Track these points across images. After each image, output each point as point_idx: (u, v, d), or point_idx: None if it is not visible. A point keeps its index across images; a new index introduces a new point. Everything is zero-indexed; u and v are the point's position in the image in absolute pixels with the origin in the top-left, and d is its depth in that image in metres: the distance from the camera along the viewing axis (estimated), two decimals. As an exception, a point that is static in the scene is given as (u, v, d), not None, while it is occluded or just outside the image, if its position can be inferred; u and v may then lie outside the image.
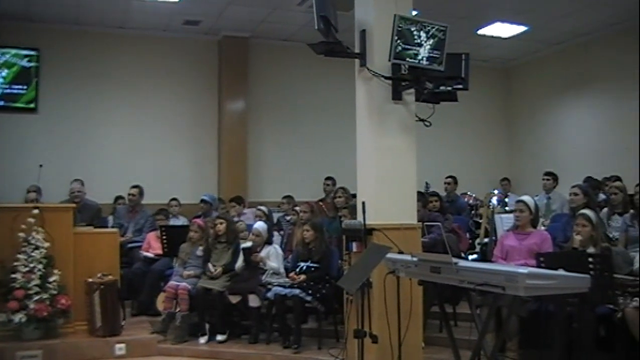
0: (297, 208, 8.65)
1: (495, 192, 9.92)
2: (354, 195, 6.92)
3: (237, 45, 11.81)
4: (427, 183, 9.93)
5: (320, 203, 9.28)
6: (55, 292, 6.60)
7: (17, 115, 10.51)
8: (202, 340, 7.03)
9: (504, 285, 3.83)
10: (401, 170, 5.84)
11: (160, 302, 7.34)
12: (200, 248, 7.60)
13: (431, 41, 5.60)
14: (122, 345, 6.74)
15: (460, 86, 6.07)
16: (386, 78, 5.70)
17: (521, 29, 11.45)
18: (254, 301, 7.03)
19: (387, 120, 5.79)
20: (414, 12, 6.01)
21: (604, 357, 5.20)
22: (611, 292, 5.06)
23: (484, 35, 11.75)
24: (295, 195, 10.08)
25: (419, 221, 5.99)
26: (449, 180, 10.42)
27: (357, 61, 5.91)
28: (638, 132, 9.95)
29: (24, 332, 6.48)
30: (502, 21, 11.11)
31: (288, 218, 9.15)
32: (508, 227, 6.83)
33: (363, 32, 5.86)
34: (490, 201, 8.79)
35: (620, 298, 5.17)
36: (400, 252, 5.12)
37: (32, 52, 10.63)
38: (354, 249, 5.73)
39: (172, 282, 7.32)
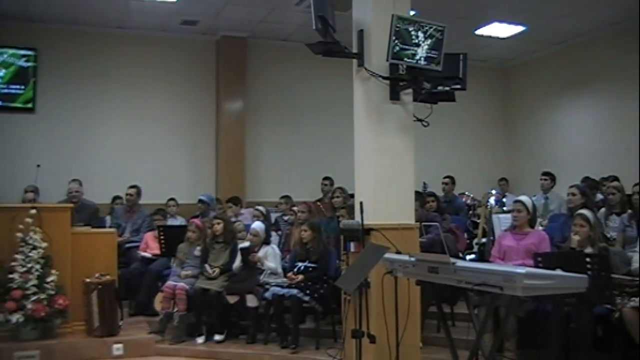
0: (294, 208, 8.64)
1: (493, 192, 9.93)
2: (352, 195, 6.92)
3: (235, 45, 11.81)
4: (424, 183, 9.92)
5: (318, 203, 9.27)
6: (52, 292, 6.60)
7: (14, 115, 10.50)
8: (200, 340, 7.03)
9: (501, 285, 3.83)
10: (399, 170, 5.84)
11: (158, 302, 7.34)
12: (198, 248, 7.60)
13: (429, 41, 5.60)
14: (120, 345, 6.74)
15: (458, 86, 6.07)
16: (384, 78, 5.70)
17: (519, 29, 11.46)
18: (251, 301, 7.03)
19: (384, 120, 5.79)
20: (412, 12, 6.01)
21: (601, 357, 5.21)
22: (609, 292, 5.07)
23: (482, 36, 11.76)
24: (293, 195, 10.08)
25: (416, 221, 5.99)
26: (447, 180, 10.42)
27: (354, 61, 5.91)
28: (638, 132, 9.94)
29: (22, 332, 6.48)
30: (500, 21, 11.12)
31: (286, 218, 9.14)
32: (506, 227, 6.84)
33: (361, 32, 5.85)
34: (488, 201, 8.79)
35: (618, 298, 5.18)
36: (398, 252, 5.12)
37: (29, 52, 10.62)
38: (352, 249, 5.73)
39: (169, 282, 7.32)
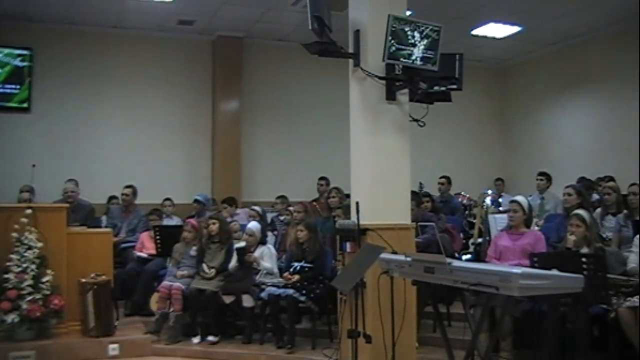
0: (291, 208, 8.65)
1: (489, 192, 9.93)
2: (348, 195, 6.92)
3: (231, 45, 11.80)
4: (421, 183, 9.93)
5: (314, 203, 9.27)
6: (48, 292, 6.58)
7: (10, 115, 10.48)
8: (196, 340, 7.02)
9: (497, 285, 3.83)
10: (395, 170, 5.84)
11: (154, 302, 7.33)
12: (194, 248, 7.60)
13: (425, 41, 5.60)
14: (116, 345, 6.73)
15: (454, 86, 6.08)
16: (380, 78, 5.70)
17: (515, 29, 11.46)
18: (247, 301, 7.02)
19: (380, 120, 5.79)
20: (408, 12, 6.02)
21: (597, 357, 5.22)
22: (604, 292, 5.08)
23: (478, 36, 11.76)
24: (289, 195, 10.09)
25: (412, 221, 5.99)
26: (443, 180, 10.44)
27: (351, 61, 5.91)
28: (638, 132, 9.95)
29: (17, 332, 6.45)
30: (496, 21, 11.12)
31: (282, 218, 9.15)
32: (502, 227, 6.85)
33: (357, 32, 5.85)
34: (484, 201, 8.79)
35: (614, 298, 5.19)
36: (394, 252, 5.12)
37: (25, 52, 10.59)
38: (348, 249, 5.73)
39: (165, 282, 7.32)
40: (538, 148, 12.91)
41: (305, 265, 7.00)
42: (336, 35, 5.62)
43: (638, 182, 6.60)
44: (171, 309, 7.11)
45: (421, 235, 6.62)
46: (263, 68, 12.14)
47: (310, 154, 12.10)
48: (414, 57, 5.57)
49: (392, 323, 5.25)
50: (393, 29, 5.44)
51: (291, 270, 7.04)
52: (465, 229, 9.00)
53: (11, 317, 6.36)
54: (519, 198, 6.35)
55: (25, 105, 10.62)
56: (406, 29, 5.51)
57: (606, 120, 11.48)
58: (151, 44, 11.56)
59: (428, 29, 5.61)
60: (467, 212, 10.08)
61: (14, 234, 6.60)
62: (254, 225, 7.57)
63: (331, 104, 11.21)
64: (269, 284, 6.99)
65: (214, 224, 7.59)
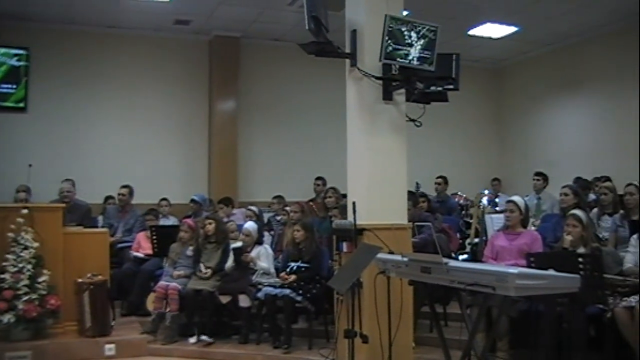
0: (287, 208, 8.64)
1: (486, 192, 9.94)
2: (345, 195, 6.91)
3: (228, 45, 11.80)
4: (417, 183, 9.92)
5: (311, 203, 9.27)
6: (44, 292, 6.57)
7: (6, 115, 10.40)
8: (192, 340, 7.00)
9: (494, 286, 3.83)
10: (392, 170, 5.84)
11: (150, 302, 7.32)
12: (191, 248, 7.59)
13: (422, 41, 5.60)
14: (112, 345, 6.72)
15: (450, 86, 6.07)
16: (377, 78, 5.69)
17: (512, 29, 11.48)
18: (244, 301, 7.02)
19: (377, 120, 5.79)
20: (405, 13, 6.01)
21: (593, 356, 5.22)
22: (601, 292, 5.09)
23: (474, 36, 11.78)
24: (286, 195, 10.10)
25: (409, 221, 5.99)
26: (440, 180, 10.43)
27: (347, 61, 5.90)
28: (638, 132, 9.95)
29: (13, 332, 6.44)
30: (493, 22, 11.15)
31: (278, 218, 9.14)
32: (498, 227, 6.84)
33: (354, 32, 5.85)
34: (480, 201, 8.80)
35: (610, 298, 5.20)
36: (391, 252, 5.12)
37: (21, 51, 10.49)
38: (345, 249, 5.73)
39: (162, 282, 7.30)
40: (535, 148, 12.94)
41: (302, 265, 7.00)
42: (333, 35, 5.62)
43: (637, 182, 6.60)
44: (168, 309, 7.10)
45: (418, 235, 6.64)
46: (260, 68, 12.14)
47: (307, 154, 12.11)
48: (410, 57, 5.57)
49: (388, 323, 5.25)
50: (390, 29, 5.44)
51: (288, 270, 7.04)
52: (462, 229, 9.01)
53: (7, 317, 6.35)
54: (516, 198, 6.35)
55: (21, 105, 10.54)
56: (403, 29, 5.51)
57: (603, 120, 11.50)
58: (148, 44, 11.56)
59: (425, 29, 5.61)
60: (463, 212, 10.09)
61: (10, 234, 6.58)
62: (250, 225, 7.57)
63: (328, 104, 11.21)
64: (266, 284, 6.98)
65: (210, 224, 7.58)
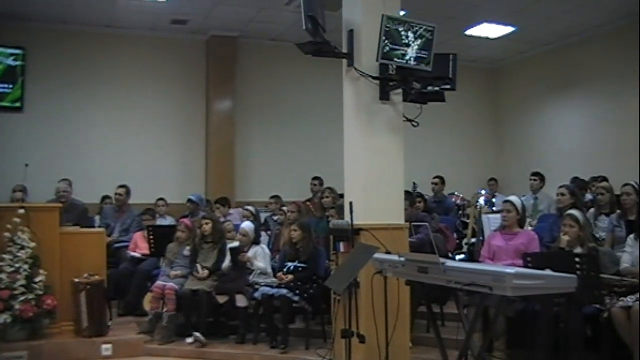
0: (284, 208, 8.65)
1: (483, 192, 9.94)
2: (341, 195, 6.91)
3: (225, 45, 11.79)
4: (414, 183, 9.94)
5: (308, 203, 9.28)
6: (41, 292, 6.56)
7: (2, 115, 10.40)
8: (189, 340, 6.99)
9: (491, 285, 3.82)
10: (389, 170, 5.84)
11: (147, 302, 7.33)
12: (187, 248, 7.58)
13: (419, 41, 5.60)
14: (109, 345, 6.71)
15: (447, 86, 6.08)
16: (374, 78, 5.69)
17: (509, 29, 11.49)
18: (241, 301, 7.01)
19: (374, 120, 5.79)
20: (402, 12, 6.01)
21: (590, 356, 5.22)
22: (598, 292, 5.10)
23: (471, 36, 11.78)
24: (283, 195, 10.07)
25: (406, 221, 5.99)
26: (437, 180, 10.44)
27: (344, 61, 5.90)
28: (638, 132, 9.96)
29: (9, 332, 6.43)
30: (490, 22, 11.15)
31: (275, 218, 9.14)
32: (495, 227, 6.85)
33: (351, 32, 5.85)
34: (477, 201, 8.82)
35: (607, 298, 5.21)
36: (388, 252, 5.11)
37: (17, 51, 10.51)
38: (342, 249, 5.72)
39: (159, 282, 7.30)
40: (531, 148, 12.95)
41: (299, 265, 7.00)
42: (330, 35, 5.62)
43: (633, 182, 6.60)
44: (164, 309, 7.09)
45: (415, 235, 6.63)
46: (257, 68, 12.13)
47: (304, 154, 12.10)
48: (407, 57, 5.57)
49: (385, 323, 5.25)
50: (387, 28, 5.44)
51: (285, 270, 7.03)
52: (459, 229, 9.02)
53: (3, 317, 6.34)
54: (513, 198, 6.36)
55: (17, 104, 10.55)
56: (400, 29, 5.51)
57: (599, 121, 11.50)
58: (144, 44, 11.54)
59: (422, 29, 5.61)
60: (460, 212, 10.11)
61: (7, 234, 6.58)
62: (247, 225, 7.56)
63: (325, 104, 11.22)
64: (263, 283, 6.98)
65: (207, 223, 7.58)
